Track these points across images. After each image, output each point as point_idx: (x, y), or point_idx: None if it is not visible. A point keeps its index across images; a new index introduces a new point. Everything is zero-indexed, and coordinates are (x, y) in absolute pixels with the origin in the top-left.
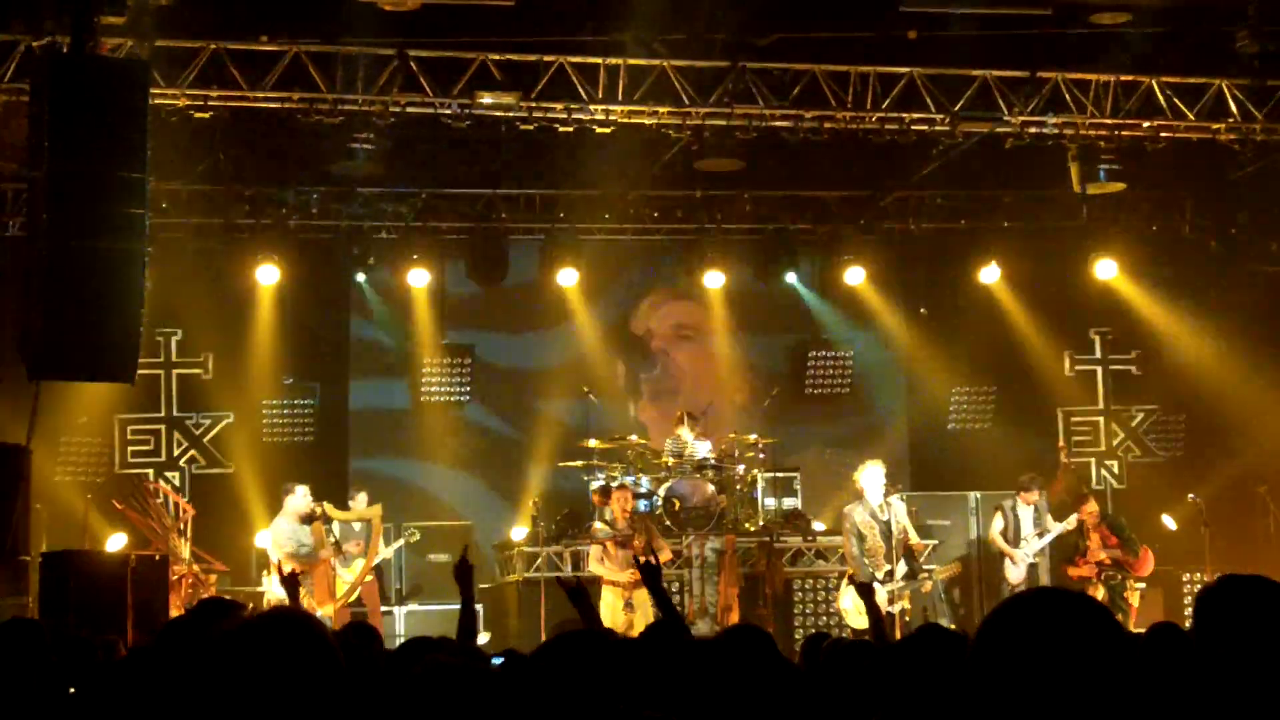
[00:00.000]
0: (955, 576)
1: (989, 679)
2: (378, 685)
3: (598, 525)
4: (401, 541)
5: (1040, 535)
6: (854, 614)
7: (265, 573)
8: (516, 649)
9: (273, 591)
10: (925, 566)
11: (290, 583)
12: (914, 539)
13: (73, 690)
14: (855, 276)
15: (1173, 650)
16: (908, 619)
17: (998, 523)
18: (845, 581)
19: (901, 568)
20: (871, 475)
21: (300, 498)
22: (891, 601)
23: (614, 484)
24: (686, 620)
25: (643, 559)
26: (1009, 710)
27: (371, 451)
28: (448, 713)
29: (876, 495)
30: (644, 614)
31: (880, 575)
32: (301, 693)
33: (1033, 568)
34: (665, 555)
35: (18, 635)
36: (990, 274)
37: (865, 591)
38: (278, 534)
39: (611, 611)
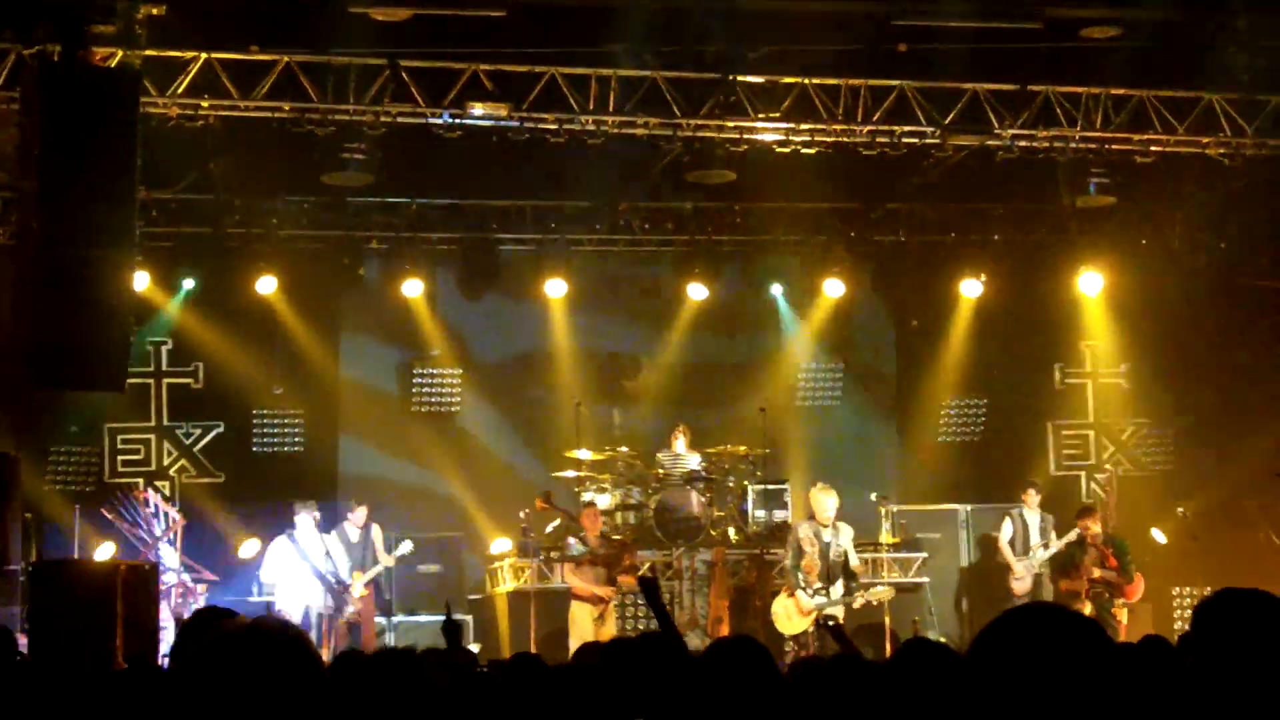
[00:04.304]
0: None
1: (981, 693)
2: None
3: (571, 541)
4: (400, 550)
5: (1045, 547)
6: (783, 618)
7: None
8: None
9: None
10: (863, 581)
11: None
12: (855, 563)
13: (59, 700)
14: (846, 289)
15: (1160, 664)
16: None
17: (1006, 530)
18: (784, 592)
19: (839, 587)
20: (823, 500)
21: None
22: (819, 609)
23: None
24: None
25: (620, 580)
26: None
27: (362, 462)
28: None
29: (824, 517)
30: (610, 627)
31: (809, 591)
32: (283, 702)
33: (1038, 578)
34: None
35: None
36: (974, 288)
37: (837, 633)
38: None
39: (580, 624)
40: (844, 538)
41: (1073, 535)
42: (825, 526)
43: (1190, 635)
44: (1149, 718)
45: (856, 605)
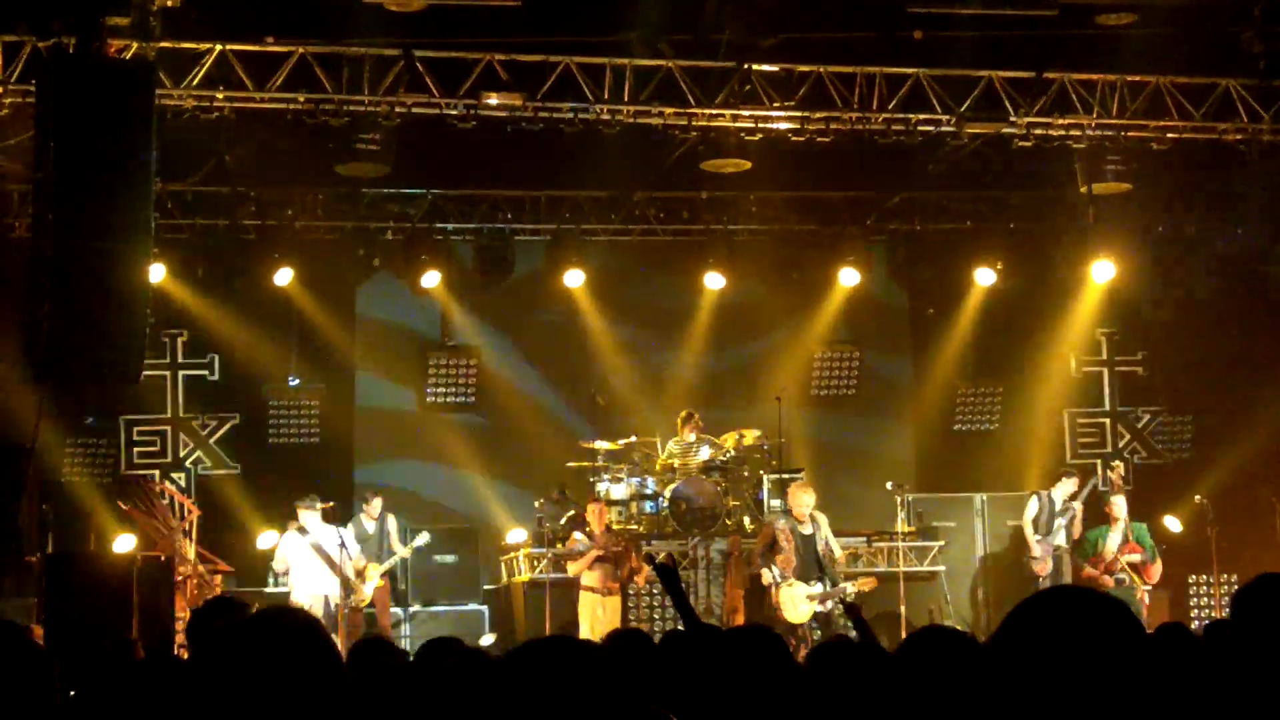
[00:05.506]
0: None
1: (1005, 677)
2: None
3: (577, 536)
4: (417, 541)
5: (1066, 526)
6: (789, 608)
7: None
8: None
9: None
10: (844, 572)
11: None
12: (837, 553)
13: (72, 693)
14: (861, 277)
15: (1181, 651)
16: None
17: (1031, 508)
18: (785, 582)
19: (827, 580)
20: (801, 497)
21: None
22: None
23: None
24: None
25: (640, 581)
26: (1026, 709)
27: (377, 453)
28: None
29: (801, 513)
30: (614, 619)
31: (784, 581)
32: (299, 689)
33: (1059, 560)
34: (641, 577)
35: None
36: (988, 276)
37: (854, 614)
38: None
39: (590, 616)
40: (823, 528)
41: (1078, 516)
42: (801, 522)
43: (1230, 621)
44: (1180, 702)
45: (849, 597)
